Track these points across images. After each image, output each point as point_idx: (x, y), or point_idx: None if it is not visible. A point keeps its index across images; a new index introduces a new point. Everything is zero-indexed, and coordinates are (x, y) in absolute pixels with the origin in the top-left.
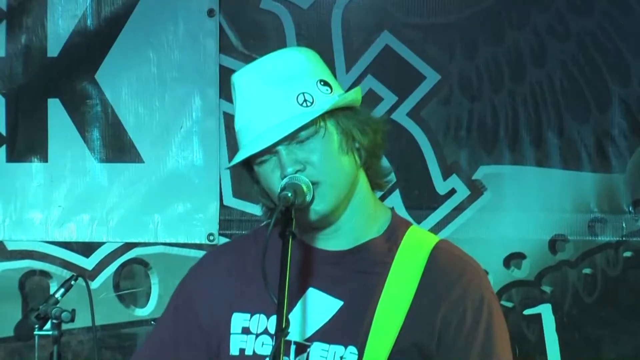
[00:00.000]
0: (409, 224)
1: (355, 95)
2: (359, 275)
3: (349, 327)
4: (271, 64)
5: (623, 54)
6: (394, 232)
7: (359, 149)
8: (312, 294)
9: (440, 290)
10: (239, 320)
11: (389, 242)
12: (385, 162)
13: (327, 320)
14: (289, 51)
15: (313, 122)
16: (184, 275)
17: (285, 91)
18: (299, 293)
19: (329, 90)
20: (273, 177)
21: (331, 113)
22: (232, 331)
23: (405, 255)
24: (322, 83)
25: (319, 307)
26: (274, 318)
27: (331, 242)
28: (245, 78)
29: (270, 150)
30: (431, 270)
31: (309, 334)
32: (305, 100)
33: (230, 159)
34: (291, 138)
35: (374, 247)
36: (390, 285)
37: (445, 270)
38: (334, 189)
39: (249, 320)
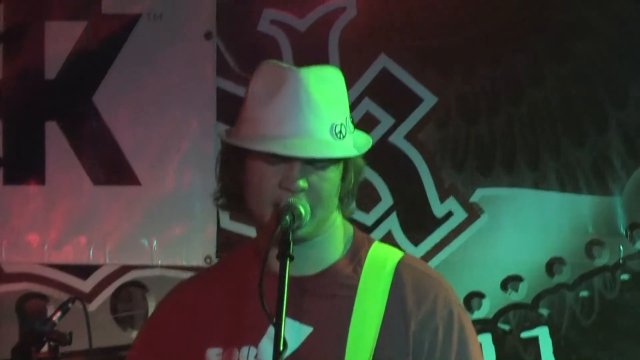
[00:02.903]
0: (371, 241)
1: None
2: (326, 299)
3: (320, 353)
4: (325, 80)
5: (620, 76)
6: (357, 252)
7: (344, 193)
8: None
9: (409, 308)
10: (212, 355)
11: (353, 263)
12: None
13: (296, 347)
14: (338, 74)
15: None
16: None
17: (326, 114)
18: (267, 321)
19: (352, 129)
20: (271, 180)
21: None
22: None
23: (370, 275)
24: (350, 120)
25: (288, 334)
26: (245, 349)
27: (296, 267)
28: (300, 78)
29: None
30: (397, 288)
31: None
32: (340, 132)
33: None
34: (313, 159)
35: (339, 269)
36: (359, 307)
37: (411, 287)
38: (315, 222)
39: (222, 354)
